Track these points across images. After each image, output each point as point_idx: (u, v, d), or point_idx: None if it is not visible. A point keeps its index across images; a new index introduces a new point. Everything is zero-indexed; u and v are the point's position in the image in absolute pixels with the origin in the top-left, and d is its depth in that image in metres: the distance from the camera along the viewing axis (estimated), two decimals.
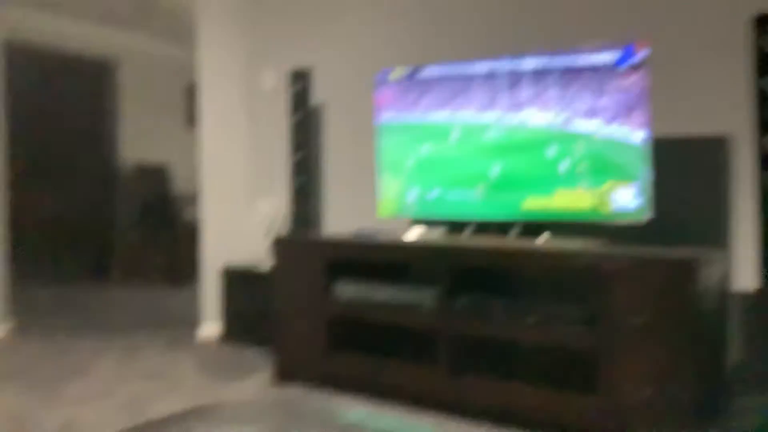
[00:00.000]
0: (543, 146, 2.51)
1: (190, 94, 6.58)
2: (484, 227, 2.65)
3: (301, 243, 2.92)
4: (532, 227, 2.52)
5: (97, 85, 6.38)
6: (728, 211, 2.45)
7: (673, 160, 2.49)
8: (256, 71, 3.79)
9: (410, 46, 3.18)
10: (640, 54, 2.32)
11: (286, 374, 2.84)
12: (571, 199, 2.47)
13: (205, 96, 3.78)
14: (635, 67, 2.33)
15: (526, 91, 2.55)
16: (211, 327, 3.73)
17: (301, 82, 3.29)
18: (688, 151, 2.51)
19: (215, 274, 3.68)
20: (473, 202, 2.68)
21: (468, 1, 3.04)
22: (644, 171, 2.32)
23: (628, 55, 2.34)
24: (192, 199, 5.04)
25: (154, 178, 6.39)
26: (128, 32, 6.35)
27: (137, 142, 6.45)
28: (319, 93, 3.43)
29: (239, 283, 3.54)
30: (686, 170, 2.51)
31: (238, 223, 3.79)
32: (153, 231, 6.15)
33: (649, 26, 2.56)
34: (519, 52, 2.59)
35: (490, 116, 2.63)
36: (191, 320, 3.95)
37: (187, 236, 5.70)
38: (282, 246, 2.89)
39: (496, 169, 2.61)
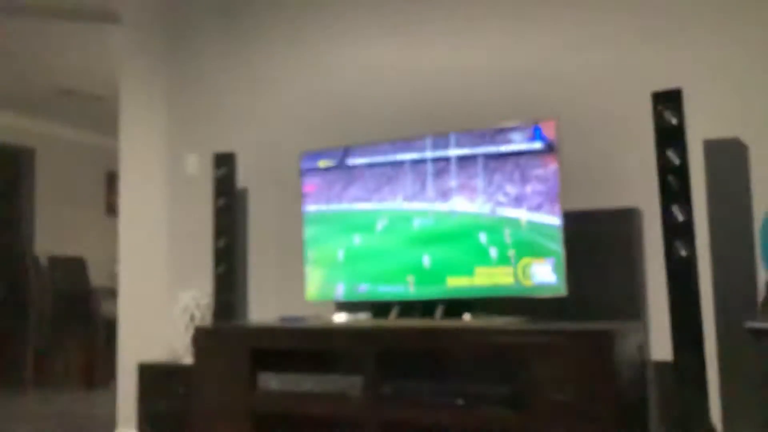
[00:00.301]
0: (472, 233, 2.54)
1: (109, 183, 6.45)
2: (409, 308, 2.63)
3: (224, 332, 2.81)
4: (456, 307, 2.52)
5: (11, 173, 6.16)
6: (643, 282, 2.52)
7: (585, 233, 2.56)
8: (178, 156, 3.73)
9: (334, 130, 3.22)
10: (549, 134, 2.42)
11: None
12: (492, 277, 2.49)
13: (125, 183, 3.69)
14: (553, 152, 2.41)
15: (452, 180, 2.60)
16: (128, 431, 3.49)
17: (225, 166, 3.25)
18: (600, 225, 2.59)
19: (134, 372, 3.48)
20: (401, 292, 2.66)
21: (389, 85, 3.13)
22: (559, 247, 2.38)
23: (537, 135, 2.44)
24: (110, 293, 4.83)
25: (70, 270, 6.12)
26: (46, 120, 6.23)
27: (53, 233, 6.21)
28: (244, 177, 3.40)
29: (157, 380, 3.34)
30: (600, 243, 2.58)
31: (159, 316, 3.63)
32: (68, 327, 5.82)
33: (559, 105, 2.69)
34: (442, 132, 2.65)
35: (417, 205, 2.66)
36: (109, 424, 3.69)
37: (105, 332, 5.45)
38: (203, 336, 2.77)
39: (426, 259, 2.62)
